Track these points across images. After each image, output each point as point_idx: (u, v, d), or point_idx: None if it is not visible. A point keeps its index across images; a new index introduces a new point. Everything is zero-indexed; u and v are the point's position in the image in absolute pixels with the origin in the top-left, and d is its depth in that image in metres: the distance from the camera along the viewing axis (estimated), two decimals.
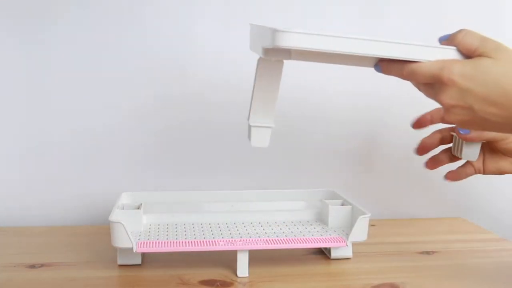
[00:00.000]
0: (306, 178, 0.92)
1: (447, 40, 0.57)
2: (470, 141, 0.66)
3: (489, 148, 0.68)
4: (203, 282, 0.62)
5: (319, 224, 0.75)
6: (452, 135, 0.68)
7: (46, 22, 0.83)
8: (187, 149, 0.89)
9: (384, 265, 0.68)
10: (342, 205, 0.75)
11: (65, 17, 0.83)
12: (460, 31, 0.56)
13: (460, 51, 0.55)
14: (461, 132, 0.65)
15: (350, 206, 0.74)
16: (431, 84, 0.56)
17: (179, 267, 0.66)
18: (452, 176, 0.69)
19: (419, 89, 0.58)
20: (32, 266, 0.66)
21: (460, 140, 0.66)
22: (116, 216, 0.65)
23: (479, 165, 0.68)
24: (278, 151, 0.91)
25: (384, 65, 0.58)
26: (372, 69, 0.60)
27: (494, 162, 0.68)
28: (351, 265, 0.69)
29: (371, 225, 0.71)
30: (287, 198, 0.81)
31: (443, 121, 0.63)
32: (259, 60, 0.59)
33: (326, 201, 0.76)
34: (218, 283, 0.62)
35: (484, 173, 0.69)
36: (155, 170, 0.88)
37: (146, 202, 0.75)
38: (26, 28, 0.83)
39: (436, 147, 0.69)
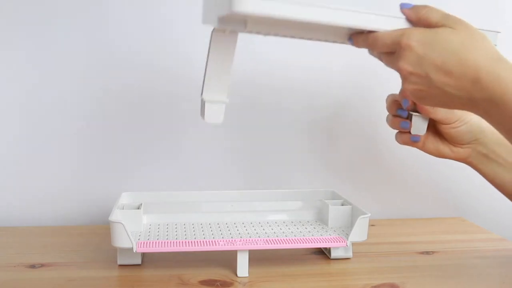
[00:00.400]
0: (306, 178, 0.92)
1: (410, 9, 0.57)
2: (409, 110, 0.67)
3: (434, 128, 0.69)
4: (203, 282, 0.62)
5: (319, 224, 0.75)
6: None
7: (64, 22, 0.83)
8: (187, 149, 0.89)
9: (384, 265, 0.68)
10: (342, 205, 0.75)
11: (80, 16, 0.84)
12: (424, 6, 0.57)
13: (422, 24, 0.56)
14: (403, 103, 0.66)
15: (350, 206, 0.74)
16: (392, 52, 0.57)
17: (179, 267, 0.66)
18: (399, 138, 0.70)
19: (382, 60, 0.59)
20: (32, 266, 0.66)
21: (411, 114, 0.68)
22: (116, 216, 0.65)
23: (422, 139, 0.69)
24: (278, 151, 0.91)
25: (354, 37, 0.59)
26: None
27: (435, 142, 0.69)
28: (351, 265, 0.69)
29: (371, 225, 0.71)
30: (287, 198, 0.81)
31: (402, 93, 0.63)
32: (213, 32, 0.58)
33: (326, 201, 0.76)
34: (218, 283, 0.62)
35: (423, 149, 0.70)
36: (155, 170, 0.88)
37: (146, 202, 0.75)
38: (25, 28, 0.83)
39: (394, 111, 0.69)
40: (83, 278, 0.63)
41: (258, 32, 0.58)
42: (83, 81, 0.85)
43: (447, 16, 0.55)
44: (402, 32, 0.55)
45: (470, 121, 0.67)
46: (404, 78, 0.56)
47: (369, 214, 0.67)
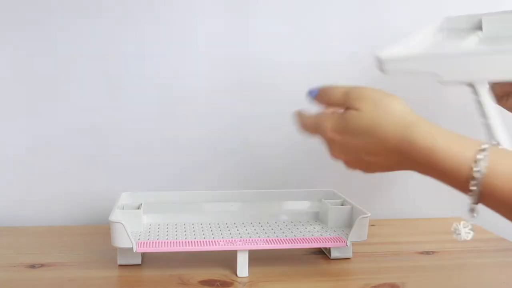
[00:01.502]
0: (306, 178, 0.92)
1: (316, 97, 0.58)
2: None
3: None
4: (203, 282, 0.62)
5: (319, 224, 0.75)
6: None
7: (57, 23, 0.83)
8: (187, 149, 0.88)
9: (384, 265, 0.68)
10: (342, 205, 0.75)
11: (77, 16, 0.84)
12: (325, 89, 0.57)
13: (332, 106, 0.56)
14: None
15: (350, 206, 0.74)
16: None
17: (179, 267, 0.66)
18: None
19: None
20: (32, 266, 0.66)
21: None
22: (116, 216, 0.65)
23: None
24: (278, 151, 0.91)
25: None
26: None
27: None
28: (351, 265, 0.69)
29: (371, 225, 0.71)
30: (287, 198, 0.81)
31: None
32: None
33: (326, 201, 0.76)
34: (218, 283, 0.62)
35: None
36: (155, 170, 0.88)
37: (146, 202, 0.75)
38: (28, 27, 0.83)
39: None
40: (83, 278, 0.63)
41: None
42: (84, 80, 0.85)
43: (347, 94, 0.54)
44: (317, 123, 0.56)
45: None
46: (343, 162, 0.57)
47: (369, 214, 0.67)
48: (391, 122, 0.52)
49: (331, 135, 0.55)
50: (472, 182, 0.48)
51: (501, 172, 0.47)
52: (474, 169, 0.48)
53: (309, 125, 0.58)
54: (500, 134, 0.59)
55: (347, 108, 0.54)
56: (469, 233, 0.54)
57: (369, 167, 0.55)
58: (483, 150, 0.48)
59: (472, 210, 0.52)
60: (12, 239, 0.78)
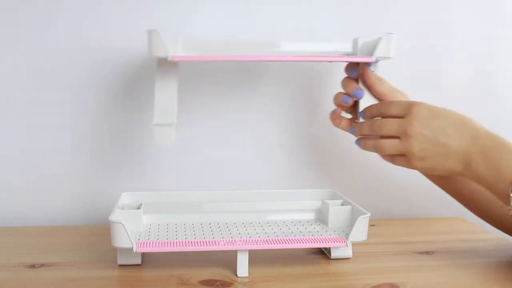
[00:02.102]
0: (306, 178, 0.92)
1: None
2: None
3: None
4: (203, 282, 0.62)
5: (319, 224, 0.75)
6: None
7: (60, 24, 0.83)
8: (187, 149, 0.89)
9: (384, 265, 0.68)
10: (342, 205, 0.75)
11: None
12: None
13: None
14: (356, 93, 0.73)
15: (350, 206, 0.74)
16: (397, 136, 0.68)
17: (179, 267, 0.66)
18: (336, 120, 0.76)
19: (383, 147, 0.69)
20: (32, 266, 0.66)
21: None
22: (116, 216, 0.65)
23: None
24: (278, 151, 0.91)
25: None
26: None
27: None
28: (351, 265, 0.69)
29: (371, 225, 0.71)
30: (287, 198, 0.81)
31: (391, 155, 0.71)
32: (157, 62, 0.65)
33: (326, 201, 0.76)
34: (218, 283, 0.62)
35: None
36: (155, 170, 0.88)
37: (146, 202, 0.75)
38: (26, 27, 0.83)
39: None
40: (83, 278, 0.63)
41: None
42: (84, 81, 0.85)
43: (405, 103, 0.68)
44: (411, 102, 0.67)
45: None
46: (413, 137, 0.64)
47: (369, 214, 0.67)
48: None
49: (423, 108, 0.65)
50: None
51: None
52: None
53: (399, 102, 0.69)
54: None
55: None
56: None
57: (434, 147, 0.64)
58: None
59: None
60: (12, 239, 0.78)
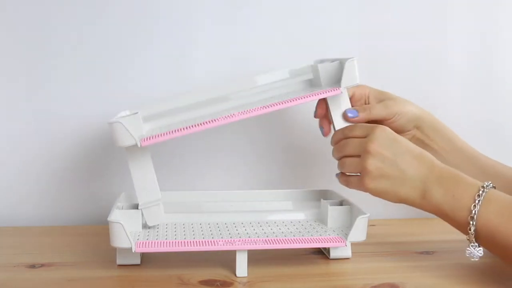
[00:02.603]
0: (305, 178, 0.92)
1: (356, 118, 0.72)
2: (360, 122, 0.73)
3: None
4: (203, 282, 0.62)
5: (318, 224, 0.75)
6: None
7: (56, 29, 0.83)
8: (187, 148, 0.89)
9: (384, 265, 0.68)
10: (341, 205, 0.75)
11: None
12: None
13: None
14: (349, 114, 0.72)
15: (349, 206, 0.74)
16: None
17: (179, 267, 0.66)
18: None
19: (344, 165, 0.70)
20: (32, 266, 0.66)
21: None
22: (115, 216, 0.65)
23: None
24: (278, 151, 0.91)
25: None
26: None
27: None
28: (350, 265, 0.69)
29: (371, 225, 0.71)
30: (287, 198, 0.80)
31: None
32: (127, 147, 0.64)
33: (325, 201, 0.76)
34: (218, 283, 0.62)
35: None
36: (155, 170, 0.88)
37: None
38: (25, 27, 0.83)
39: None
40: (83, 278, 0.63)
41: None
42: (84, 81, 0.85)
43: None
44: (375, 125, 0.68)
45: (408, 112, 0.73)
46: (372, 155, 0.64)
47: (369, 214, 0.67)
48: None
49: (383, 131, 0.66)
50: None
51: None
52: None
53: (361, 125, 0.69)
54: None
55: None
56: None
57: (391, 169, 0.64)
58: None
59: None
60: (12, 239, 0.78)
